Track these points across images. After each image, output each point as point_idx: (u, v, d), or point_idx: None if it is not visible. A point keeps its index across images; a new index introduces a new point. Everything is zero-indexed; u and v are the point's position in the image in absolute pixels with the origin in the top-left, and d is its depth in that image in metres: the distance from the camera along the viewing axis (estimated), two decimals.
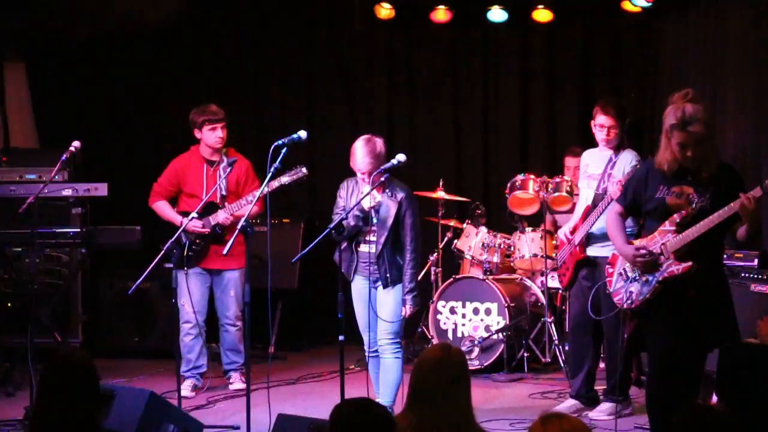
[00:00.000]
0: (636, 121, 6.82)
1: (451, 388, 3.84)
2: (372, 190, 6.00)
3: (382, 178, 6.00)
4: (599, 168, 6.45)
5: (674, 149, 4.79)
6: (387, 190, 6.13)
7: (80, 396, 3.76)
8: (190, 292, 7.00)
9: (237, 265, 7.16)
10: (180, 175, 7.26)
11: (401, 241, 6.14)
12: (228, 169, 6.71)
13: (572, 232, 6.56)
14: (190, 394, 7.05)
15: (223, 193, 7.12)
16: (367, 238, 6.18)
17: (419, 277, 8.10)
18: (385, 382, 6.19)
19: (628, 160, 6.33)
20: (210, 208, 7.08)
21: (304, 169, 6.47)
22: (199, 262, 7.18)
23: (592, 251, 6.43)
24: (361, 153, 6.10)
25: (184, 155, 7.33)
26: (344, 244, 6.14)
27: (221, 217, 7.05)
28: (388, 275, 6.11)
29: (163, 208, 7.28)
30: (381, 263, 6.11)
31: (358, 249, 6.20)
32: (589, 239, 6.45)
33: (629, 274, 5.01)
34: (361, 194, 6.11)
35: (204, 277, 7.23)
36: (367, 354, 6.33)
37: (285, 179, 6.66)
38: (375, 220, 6.09)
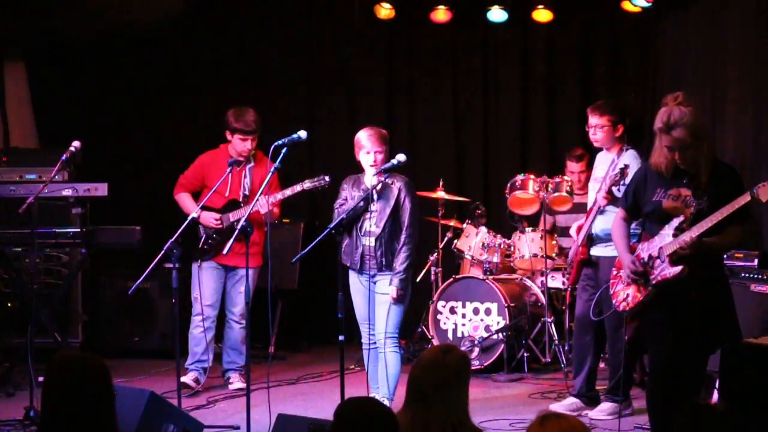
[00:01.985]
0: (636, 121, 6.82)
1: (444, 389, 3.85)
2: (376, 174, 6.09)
3: (382, 178, 6.06)
4: (604, 170, 6.46)
5: (664, 151, 4.82)
6: (387, 178, 6.23)
7: (95, 396, 3.74)
8: (202, 285, 7.03)
9: (253, 264, 7.16)
10: (206, 171, 7.26)
11: (399, 226, 6.23)
12: (228, 170, 6.72)
13: (579, 230, 6.58)
14: (192, 383, 7.05)
15: (246, 192, 7.13)
16: (368, 229, 6.20)
17: (419, 277, 8.18)
18: (383, 376, 6.23)
19: (624, 161, 6.32)
20: (232, 206, 7.09)
21: (327, 178, 6.53)
22: (214, 257, 7.17)
23: (596, 251, 6.45)
24: (366, 135, 6.26)
25: (213, 152, 7.34)
26: (346, 240, 6.19)
27: (239, 215, 7.07)
28: (383, 260, 6.19)
29: (184, 200, 7.29)
30: (378, 247, 6.18)
31: (361, 243, 6.24)
32: (593, 240, 6.46)
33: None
34: (362, 190, 6.20)
35: (219, 272, 7.23)
36: (365, 347, 6.37)
37: (307, 185, 6.71)
38: (376, 197, 6.15)
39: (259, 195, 6.38)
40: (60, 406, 3.72)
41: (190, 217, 6.67)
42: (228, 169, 6.63)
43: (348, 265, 6.28)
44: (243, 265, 7.08)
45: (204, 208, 7.11)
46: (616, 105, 6.57)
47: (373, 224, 6.21)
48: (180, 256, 5.91)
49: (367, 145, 6.23)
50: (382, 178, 6.13)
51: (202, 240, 7.15)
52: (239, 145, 7.15)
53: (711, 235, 4.73)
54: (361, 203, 6.14)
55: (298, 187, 6.72)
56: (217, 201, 7.08)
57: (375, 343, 6.32)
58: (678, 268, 4.75)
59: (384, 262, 6.20)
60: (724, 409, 3.46)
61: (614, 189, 6.18)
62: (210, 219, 7.10)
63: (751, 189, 4.65)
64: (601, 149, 6.63)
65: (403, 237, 6.21)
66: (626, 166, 6.15)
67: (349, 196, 6.27)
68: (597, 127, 6.42)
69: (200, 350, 7.18)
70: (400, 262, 6.20)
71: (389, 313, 6.19)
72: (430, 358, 3.97)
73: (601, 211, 6.37)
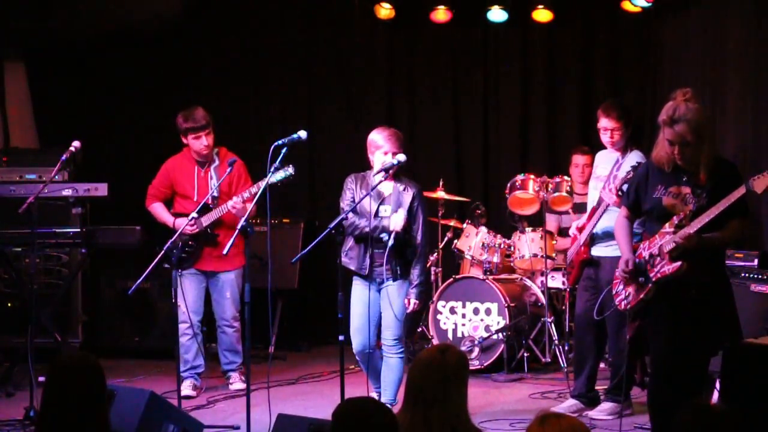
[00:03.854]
0: (636, 121, 6.81)
1: (442, 388, 3.84)
2: (377, 173, 6.03)
3: (383, 178, 6.03)
4: (607, 169, 6.46)
5: (665, 145, 4.83)
6: (399, 184, 6.17)
7: (89, 396, 3.76)
8: (184, 293, 7.01)
9: (232, 267, 7.15)
10: (171, 177, 7.26)
11: (411, 236, 6.19)
12: (228, 170, 6.70)
13: (580, 230, 6.58)
14: (192, 393, 7.05)
15: (215, 194, 7.08)
16: (380, 236, 6.17)
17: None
18: (387, 380, 6.22)
19: (631, 162, 6.32)
20: (203, 210, 7.06)
21: (290, 169, 6.45)
22: (193, 264, 7.16)
23: (596, 251, 6.45)
24: (383, 135, 6.16)
25: (176, 157, 7.34)
26: (350, 242, 6.17)
27: (213, 218, 7.04)
28: (398, 268, 6.14)
29: (158, 210, 7.28)
30: (393, 257, 6.13)
31: (375, 249, 6.17)
32: (594, 239, 6.46)
33: None
34: (368, 187, 6.12)
35: (199, 278, 7.22)
36: (358, 356, 6.33)
37: (272, 179, 6.65)
38: (391, 243, 6.08)
39: (258, 195, 6.33)
40: (53, 405, 3.74)
41: (190, 217, 6.68)
42: (228, 170, 6.59)
43: (353, 269, 6.21)
44: (222, 269, 7.11)
45: (175, 215, 7.11)
46: (626, 106, 6.57)
47: (386, 234, 6.16)
48: (180, 256, 5.91)
49: (386, 146, 6.13)
50: (382, 177, 6.06)
51: (179, 248, 7.10)
52: (195, 144, 7.13)
53: (712, 231, 4.74)
54: (374, 234, 6.08)
55: (262, 183, 6.63)
56: (188, 206, 7.06)
57: (372, 348, 6.28)
58: (677, 264, 4.76)
59: (399, 272, 6.15)
60: (724, 408, 3.45)
61: (625, 187, 6.14)
62: (186, 225, 7.00)
63: (746, 181, 4.66)
64: (603, 148, 6.62)
65: (418, 249, 6.18)
66: (638, 164, 6.13)
67: (357, 197, 6.17)
68: (614, 130, 6.39)
69: (191, 356, 7.14)
70: (416, 275, 6.17)
71: (394, 319, 6.17)
72: (428, 357, 3.96)
73: (604, 210, 6.36)
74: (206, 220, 7.05)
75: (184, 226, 6.60)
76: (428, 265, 8.38)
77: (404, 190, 6.17)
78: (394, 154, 6.09)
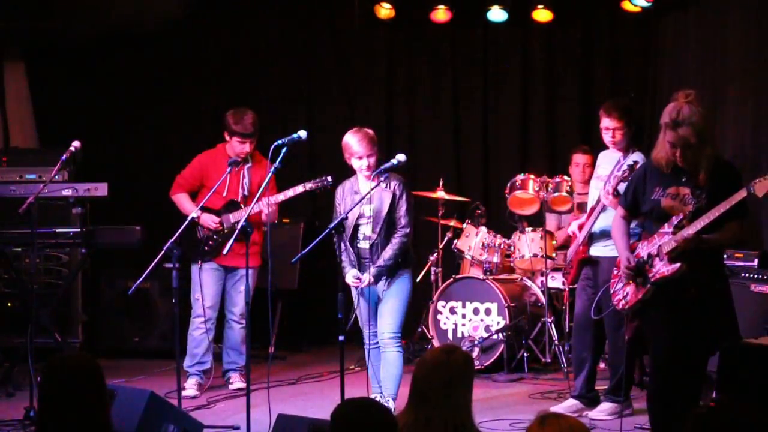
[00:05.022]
0: (636, 121, 6.82)
1: (447, 390, 3.84)
2: (375, 175, 6.06)
3: (382, 178, 6.05)
4: (608, 170, 6.45)
5: (665, 147, 4.83)
6: (382, 182, 6.19)
7: (87, 396, 3.76)
8: (202, 286, 7.04)
9: (252, 263, 7.16)
10: (205, 171, 7.27)
11: (394, 226, 6.22)
12: (227, 170, 6.72)
13: (580, 228, 6.58)
14: (196, 393, 7.06)
15: (245, 193, 7.14)
16: (365, 234, 6.21)
17: (419, 277, 8.18)
18: (388, 376, 6.24)
19: (629, 162, 6.31)
20: (230, 207, 7.10)
21: (329, 178, 6.53)
22: (214, 257, 7.18)
23: (594, 251, 6.45)
24: (355, 139, 6.20)
25: (211, 151, 7.35)
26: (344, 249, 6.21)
27: (240, 216, 7.07)
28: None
29: (182, 200, 7.29)
30: (375, 253, 6.18)
31: (358, 245, 6.25)
32: (592, 239, 6.46)
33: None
34: (356, 192, 6.18)
35: (219, 273, 7.25)
36: (366, 348, 6.37)
37: (310, 185, 6.72)
38: (374, 202, 6.14)
39: (258, 198, 6.37)
40: (53, 406, 3.73)
41: (189, 217, 6.67)
42: (228, 169, 6.64)
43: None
44: (242, 266, 7.08)
45: (202, 209, 7.12)
46: (628, 106, 6.57)
47: (369, 229, 6.21)
48: (180, 256, 5.92)
49: (359, 150, 6.18)
50: (382, 178, 6.09)
51: (203, 241, 7.17)
52: (237, 147, 7.16)
53: (710, 232, 4.74)
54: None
55: (300, 188, 6.74)
56: (216, 201, 7.09)
57: (377, 343, 6.32)
58: (676, 266, 4.76)
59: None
60: (740, 404, 3.39)
61: (622, 185, 6.14)
62: (210, 221, 7.11)
63: (747, 184, 4.66)
64: (604, 148, 6.62)
65: (396, 236, 6.19)
66: (635, 163, 6.13)
67: (344, 205, 6.25)
68: (616, 129, 6.38)
69: (200, 352, 7.18)
70: (386, 257, 6.14)
71: (391, 313, 6.19)
72: (434, 359, 3.95)
73: (602, 209, 6.37)
74: (234, 218, 7.08)
75: (184, 226, 6.60)
76: (428, 265, 8.40)
77: (386, 187, 6.20)
78: (369, 156, 6.15)
